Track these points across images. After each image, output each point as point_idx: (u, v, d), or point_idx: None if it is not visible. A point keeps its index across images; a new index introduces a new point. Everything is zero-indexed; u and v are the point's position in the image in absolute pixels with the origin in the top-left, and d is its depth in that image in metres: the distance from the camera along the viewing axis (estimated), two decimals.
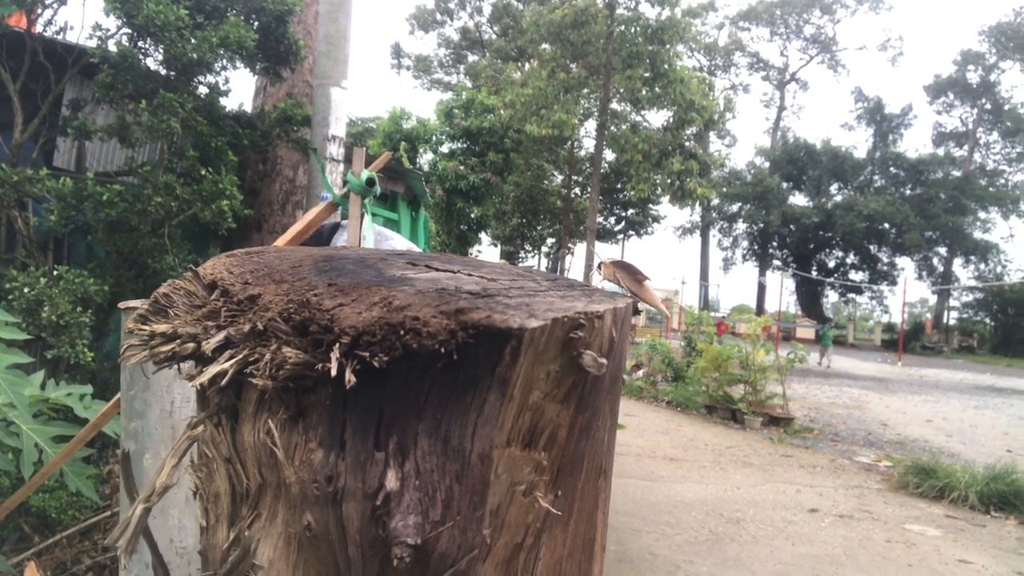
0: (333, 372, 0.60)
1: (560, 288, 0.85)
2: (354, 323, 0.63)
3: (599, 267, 1.18)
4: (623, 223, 34.75)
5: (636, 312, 1.10)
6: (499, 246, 33.20)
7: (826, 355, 22.76)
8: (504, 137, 20.03)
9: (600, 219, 28.72)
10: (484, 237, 27.44)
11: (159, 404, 2.00)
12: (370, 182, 2.58)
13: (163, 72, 4.21)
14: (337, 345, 0.62)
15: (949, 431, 10.22)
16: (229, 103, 4.99)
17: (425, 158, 19.93)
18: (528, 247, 35.07)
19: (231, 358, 0.67)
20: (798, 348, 10.54)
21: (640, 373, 13.46)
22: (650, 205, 30.54)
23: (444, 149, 20.16)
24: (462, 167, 19.06)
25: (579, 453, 0.78)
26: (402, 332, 0.62)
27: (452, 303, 0.65)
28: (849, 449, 8.41)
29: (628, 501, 5.44)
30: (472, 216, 20.12)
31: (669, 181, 21.91)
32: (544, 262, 37.60)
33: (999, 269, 42.81)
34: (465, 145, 19.87)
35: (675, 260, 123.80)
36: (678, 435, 8.61)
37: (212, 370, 0.67)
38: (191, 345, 0.71)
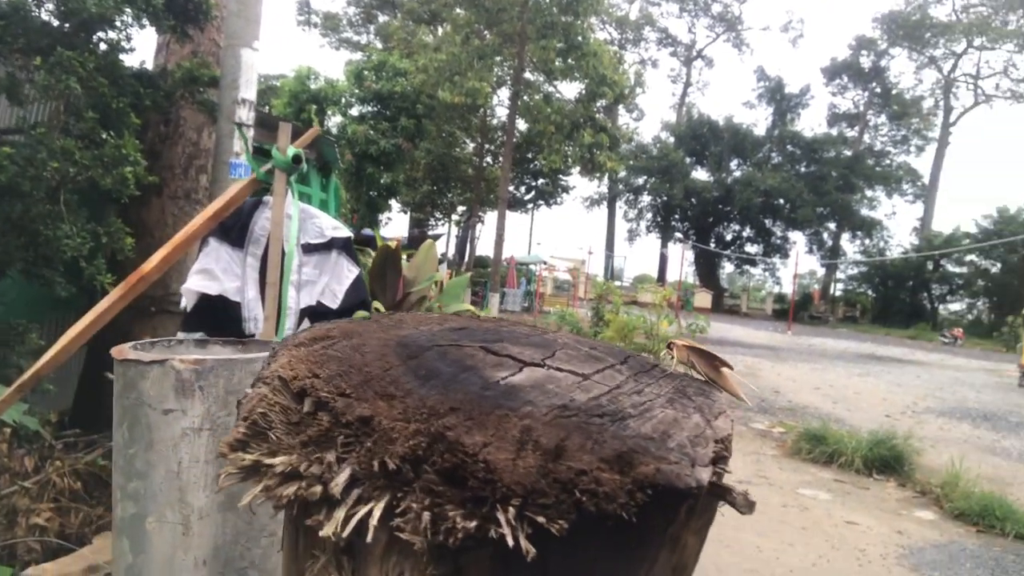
0: (510, 543, 0.55)
1: (652, 380, 0.86)
2: (519, 479, 0.58)
3: (670, 347, 1.11)
4: (533, 193, 34.98)
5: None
6: (409, 213, 32.82)
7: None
8: (416, 102, 19.68)
9: (511, 188, 28.83)
10: (394, 204, 27.03)
11: (164, 464, 1.82)
12: (297, 159, 2.49)
13: (58, 26, 3.89)
14: (509, 508, 0.57)
15: (835, 398, 10.95)
16: (130, 60, 4.68)
17: (333, 120, 19.37)
18: (438, 215, 34.84)
19: (361, 500, 0.61)
20: (700, 319, 10.99)
21: None
22: (560, 176, 30.83)
23: (354, 112, 19.64)
24: (372, 131, 18.62)
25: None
26: (577, 493, 0.58)
27: (604, 443, 0.62)
28: (745, 415, 8.88)
29: None
30: (382, 182, 19.77)
31: (580, 153, 22.16)
32: (455, 230, 37.48)
33: (882, 244, 45.97)
34: (376, 109, 19.42)
35: (583, 231, 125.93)
36: None
37: (340, 516, 0.61)
38: (318, 488, 0.64)
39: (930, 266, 40.43)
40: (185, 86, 5.12)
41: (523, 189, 34.40)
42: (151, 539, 1.80)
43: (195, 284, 2.86)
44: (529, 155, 27.44)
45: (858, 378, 14.12)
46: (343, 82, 19.53)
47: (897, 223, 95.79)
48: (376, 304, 2.44)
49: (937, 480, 5.82)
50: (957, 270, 40.73)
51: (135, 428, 1.80)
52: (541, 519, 0.56)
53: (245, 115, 5.14)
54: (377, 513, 0.60)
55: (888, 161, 47.00)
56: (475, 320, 1.14)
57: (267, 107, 18.09)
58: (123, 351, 1.85)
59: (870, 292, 45.79)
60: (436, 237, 34.45)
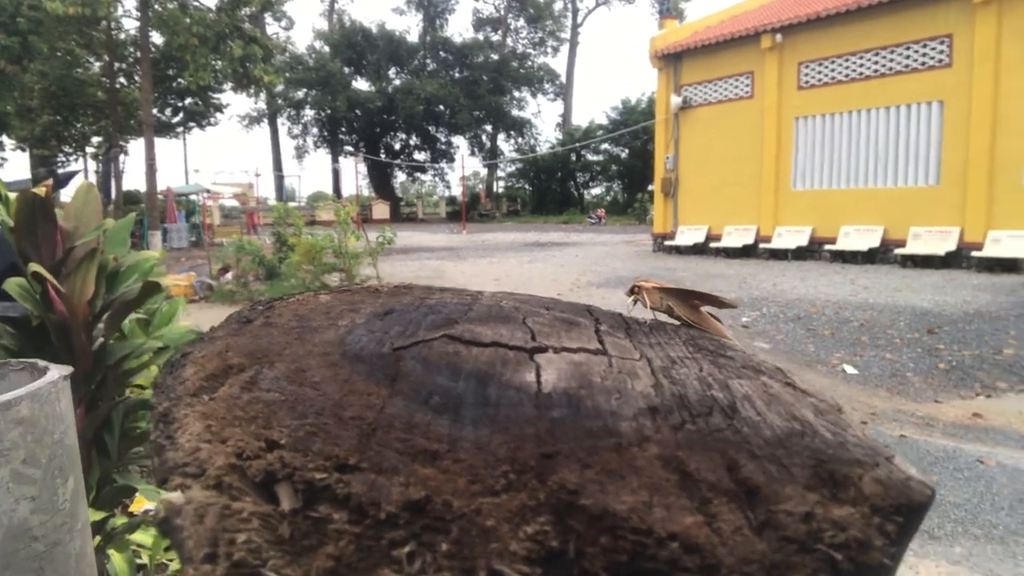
0: None
1: (655, 338, 0.70)
2: (744, 554, 0.38)
3: (634, 291, 0.88)
4: (182, 115, 31.74)
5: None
6: (29, 150, 27.77)
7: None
8: (16, 16, 16.43)
9: (156, 111, 25.81)
10: (7, 141, 22.67)
11: None
12: None
13: None
14: None
15: (515, 284, 12.09)
16: None
17: None
18: (68, 149, 30.03)
19: None
20: (386, 230, 11.22)
21: (229, 276, 12.96)
22: (211, 94, 28.35)
23: None
24: None
25: None
26: (825, 550, 0.39)
27: (778, 459, 0.44)
28: None
29: None
30: None
31: (231, 67, 20.53)
32: (92, 165, 32.72)
33: (532, 142, 50.49)
34: None
35: (246, 152, 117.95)
36: None
37: None
38: None
39: (573, 157, 45.48)
40: None
41: (169, 111, 30.99)
42: None
43: None
44: (171, 72, 24.64)
45: (529, 264, 15.71)
46: None
47: (543, 121, 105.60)
48: (34, 267, 2.13)
49: None
50: (595, 158, 46.42)
51: None
52: None
53: None
54: None
55: (530, 63, 51.07)
56: (373, 292, 0.85)
57: None
58: None
59: (527, 186, 50.36)
60: (71, 175, 29.79)
